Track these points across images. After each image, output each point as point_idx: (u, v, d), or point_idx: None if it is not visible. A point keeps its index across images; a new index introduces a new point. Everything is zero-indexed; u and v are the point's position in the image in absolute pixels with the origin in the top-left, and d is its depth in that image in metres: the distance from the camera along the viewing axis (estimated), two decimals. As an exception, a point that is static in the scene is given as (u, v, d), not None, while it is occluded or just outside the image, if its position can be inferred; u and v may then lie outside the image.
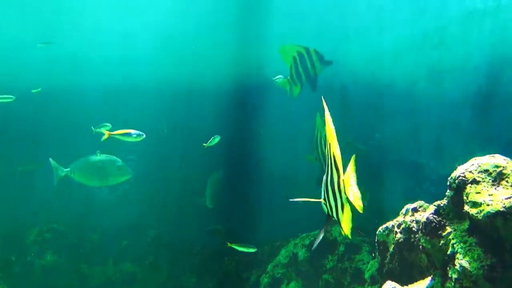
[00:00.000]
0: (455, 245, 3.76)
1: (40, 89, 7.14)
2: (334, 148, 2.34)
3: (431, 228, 4.09)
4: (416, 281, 4.23)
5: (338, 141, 2.37)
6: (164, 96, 8.77)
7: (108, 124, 6.56)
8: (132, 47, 9.00)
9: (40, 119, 8.43)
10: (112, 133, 5.58)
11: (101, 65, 8.86)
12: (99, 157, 7.50)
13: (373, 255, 5.60)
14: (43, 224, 8.58)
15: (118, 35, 8.93)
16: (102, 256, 8.56)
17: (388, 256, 4.86)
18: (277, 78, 6.57)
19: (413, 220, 4.48)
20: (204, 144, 6.20)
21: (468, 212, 3.70)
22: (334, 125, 2.37)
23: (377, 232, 5.02)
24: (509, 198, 3.51)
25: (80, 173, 7.42)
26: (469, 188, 3.81)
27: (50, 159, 7.36)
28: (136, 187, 8.90)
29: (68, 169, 7.34)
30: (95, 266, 8.47)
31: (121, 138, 5.56)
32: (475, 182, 3.83)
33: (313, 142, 7.17)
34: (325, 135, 6.83)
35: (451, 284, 3.67)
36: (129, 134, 5.54)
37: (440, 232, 4.03)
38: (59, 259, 8.37)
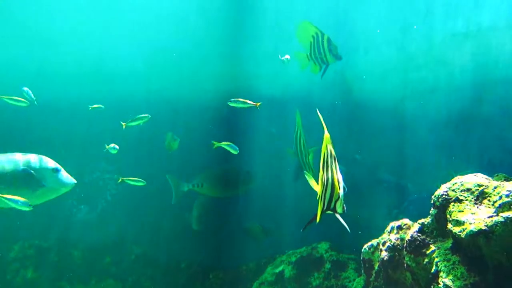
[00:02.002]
0: (438, 263, 3.80)
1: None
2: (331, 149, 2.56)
3: (415, 246, 4.13)
4: (401, 299, 4.25)
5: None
6: (151, 111, 8.75)
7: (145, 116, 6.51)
8: (120, 62, 9.00)
9: (25, 134, 8.32)
10: (219, 143, 5.73)
11: (88, 80, 8.84)
12: (225, 167, 7.46)
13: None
14: (24, 241, 8.39)
15: (105, 50, 8.94)
16: (84, 274, 8.39)
17: (373, 274, 4.88)
18: (284, 58, 6.35)
19: (398, 238, 4.52)
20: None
21: (452, 231, 3.76)
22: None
23: (362, 250, 5.05)
24: (491, 217, 3.57)
25: (209, 186, 7.33)
26: (452, 207, 3.88)
27: (168, 175, 7.29)
28: (115, 205, 8.79)
29: (190, 183, 7.27)
30: (77, 284, 8.28)
31: (227, 147, 5.77)
32: (458, 200, 3.90)
33: (293, 138, 7.22)
34: (304, 133, 6.98)
35: (435, 302, 3.69)
36: (231, 146, 5.78)
37: (424, 250, 4.07)
38: (40, 277, 8.18)
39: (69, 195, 8.91)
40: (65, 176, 5.56)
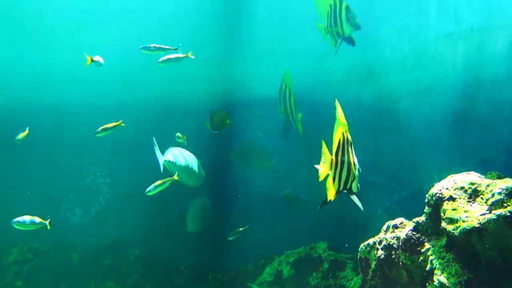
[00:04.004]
0: (433, 261, 3.86)
1: None
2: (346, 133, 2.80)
3: (410, 245, 4.19)
4: (397, 297, 4.30)
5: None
6: (147, 113, 8.79)
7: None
8: (115, 64, 9.02)
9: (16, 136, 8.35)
10: None
11: (82, 83, 8.86)
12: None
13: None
14: (23, 244, 8.41)
15: (100, 52, 8.95)
16: (84, 276, 8.41)
17: (370, 273, 4.93)
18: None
19: (394, 237, 4.57)
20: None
21: (445, 229, 3.81)
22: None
23: (359, 249, 5.10)
24: (484, 214, 3.63)
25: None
26: (446, 205, 3.93)
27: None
28: (109, 208, 8.84)
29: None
30: (76, 287, 8.30)
31: None
32: (451, 199, 3.95)
33: (278, 97, 7.21)
34: (293, 92, 6.99)
35: (430, 299, 3.75)
36: None
37: (419, 248, 4.12)
38: (39, 280, 8.20)
39: (63, 199, 9.02)
40: None
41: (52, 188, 8.52)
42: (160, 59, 5.90)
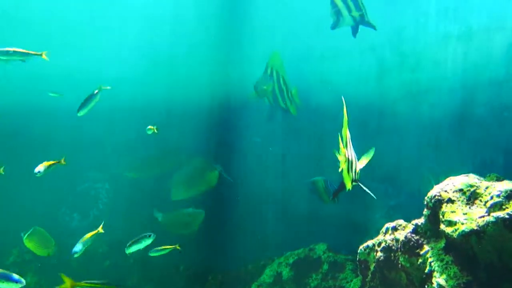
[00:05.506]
0: (432, 263, 3.87)
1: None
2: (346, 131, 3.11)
3: (409, 247, 4.20)
4: (396, 299, 4.31)
5: None
6: (146, 116, 8.78)
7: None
8: (113, 66, 9.03)
9: (19, 138, 8.34)
10: None
11: (81, 84, 8.84)
12: None
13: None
14: (23, 245, 8.41)
15: (98, 54, 8.96)
16: (83, 278, 8.40)
17: (369, 275, 4.94)
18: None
19: (393, 239, 4.58)
20: None
21: (444, 231, 3.83)
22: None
23: (358, 251, 5.10)
24: (483, 217, 3.64)
25: None
26: (445, 207, 3.95)
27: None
28: (108, 213, 8.84)
29: None
30: (76, 288, 8.30)
31: None
32: (450, 201, 3.96)
33: (264, 78, 7.01)
34: (286, 77, 6.92)
35: (429, 301, 3.76)
36: None
37: (418, 250, 4.14)
38: (39, 281, 8.21)
39: (61, 203, 9.04)
40: None
41: (50, 193, 8.51)
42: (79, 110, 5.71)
